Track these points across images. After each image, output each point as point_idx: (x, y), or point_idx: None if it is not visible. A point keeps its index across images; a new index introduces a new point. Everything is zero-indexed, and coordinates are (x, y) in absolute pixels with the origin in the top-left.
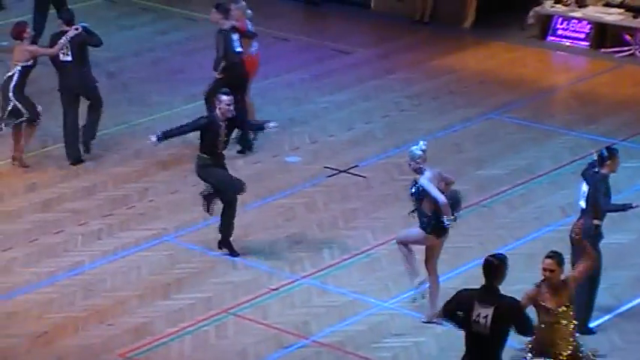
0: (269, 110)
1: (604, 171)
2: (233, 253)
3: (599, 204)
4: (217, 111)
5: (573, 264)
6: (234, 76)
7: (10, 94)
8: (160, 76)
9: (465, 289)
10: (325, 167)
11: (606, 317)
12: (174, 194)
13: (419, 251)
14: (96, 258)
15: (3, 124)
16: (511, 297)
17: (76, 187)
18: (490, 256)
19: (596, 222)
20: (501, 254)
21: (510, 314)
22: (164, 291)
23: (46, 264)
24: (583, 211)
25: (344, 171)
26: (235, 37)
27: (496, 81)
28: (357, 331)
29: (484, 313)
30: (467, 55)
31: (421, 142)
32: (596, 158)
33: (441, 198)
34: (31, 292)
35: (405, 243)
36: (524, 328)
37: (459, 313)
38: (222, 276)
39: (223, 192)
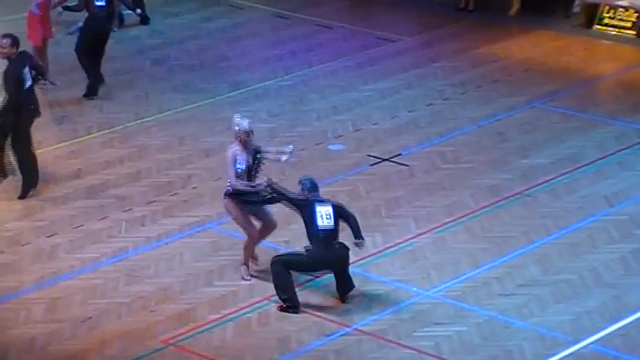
0: (312, 98)
1: None
2: None
3: None
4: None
5: None
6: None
7: None
8: (204, 64)
9: None
10: (368, 155)
11: None
12: (218, 181)
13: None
14: (139, 244)
15: None
16: None
17: (120, 173)
18: None
19: None
20: None
21: None
22: (207, 278)
23: (90, 250)
24: None
25: (387, 159)
26: None
27: (541, 70)
28: (399, 320)
29: None
30: (512, 43)
31: (247, 121)
32: None
33: (231, 180)
34: (75, 278)
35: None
36: None
37: None
38: (264, 263)
39: None
